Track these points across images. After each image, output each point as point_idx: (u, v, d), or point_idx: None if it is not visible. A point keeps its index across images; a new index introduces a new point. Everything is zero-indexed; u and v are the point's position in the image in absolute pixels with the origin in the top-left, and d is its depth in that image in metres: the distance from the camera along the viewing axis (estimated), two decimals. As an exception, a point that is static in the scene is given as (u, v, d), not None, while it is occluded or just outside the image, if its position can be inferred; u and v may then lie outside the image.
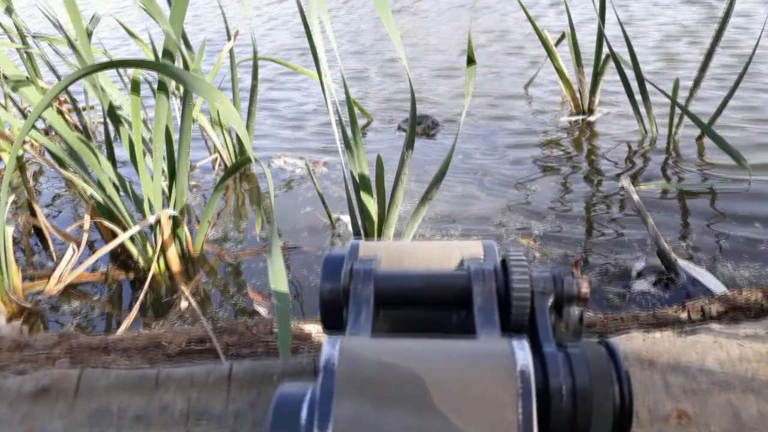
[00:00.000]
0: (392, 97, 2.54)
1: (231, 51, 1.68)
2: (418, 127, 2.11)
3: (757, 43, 1.72)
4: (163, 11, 1.24)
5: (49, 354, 0.76)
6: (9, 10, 1.49)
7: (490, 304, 0.36)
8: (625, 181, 1.32)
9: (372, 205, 1.39)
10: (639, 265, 1.21)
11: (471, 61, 1.11)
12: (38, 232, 1.52)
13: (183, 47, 1.30)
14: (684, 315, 1.01)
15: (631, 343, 0.61)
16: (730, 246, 1.28)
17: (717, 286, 1.10)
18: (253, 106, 1.75)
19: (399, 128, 2.16)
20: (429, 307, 0.39)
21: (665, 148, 1.83)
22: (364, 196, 1.38)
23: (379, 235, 1.41)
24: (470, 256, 0.43)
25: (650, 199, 1.50)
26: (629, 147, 1.86)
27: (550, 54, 2.09)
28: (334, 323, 0.40)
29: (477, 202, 1.58)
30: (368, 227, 1.41)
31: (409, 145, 1.29)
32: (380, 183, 1.36)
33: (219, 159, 1.88)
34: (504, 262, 0.39)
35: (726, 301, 1.02)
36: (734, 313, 1.01)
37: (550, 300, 0.38)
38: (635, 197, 1.31)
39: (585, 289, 0.38)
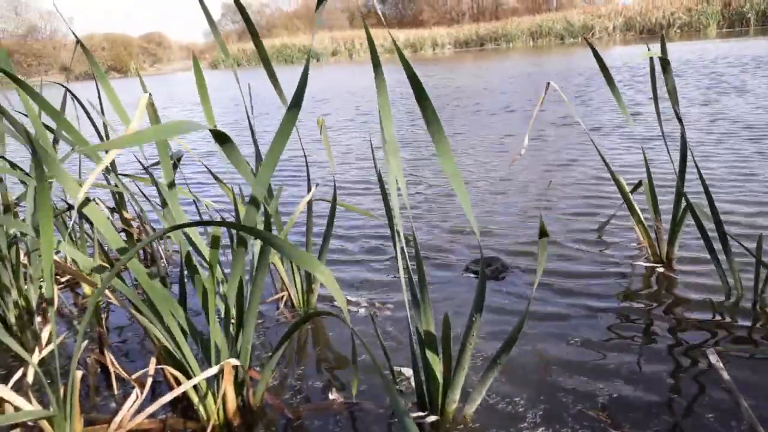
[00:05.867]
0: (457, 230, 2.55)
1: (309, 203, 1.73)
2: (487, 269, 2.08)
3: None
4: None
5: None
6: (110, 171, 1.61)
7: None
8: (712, 357, 1.23)
9: (437, 364, 1.34)
10: (733, 459, 1.09)
11: (543, 233, 1.09)
12: (103, 367, 1.54)
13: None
14: None
15: None
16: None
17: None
18: (323, 253, 1.78)
19: (467, 269, 2.14)
20: None
21: (752, 307, 1.71)
22: (429, 354, 1.34)
23: (444, 396, 1.34)
24: None
25: (738, 365, 1.38)
26: (713, 305, 1.75)
27: (627, 202, 2.05)
28: None
29: (545, 359, 1.50)
30: (433, 387, 1.35)
31: (478, 308, 1.26)
32: (446, 343, 1.32)
33: (286, 296, 1.89)
34: None
35: None
36: None
37: None
38: (726, 376, 1.21)
39: None
